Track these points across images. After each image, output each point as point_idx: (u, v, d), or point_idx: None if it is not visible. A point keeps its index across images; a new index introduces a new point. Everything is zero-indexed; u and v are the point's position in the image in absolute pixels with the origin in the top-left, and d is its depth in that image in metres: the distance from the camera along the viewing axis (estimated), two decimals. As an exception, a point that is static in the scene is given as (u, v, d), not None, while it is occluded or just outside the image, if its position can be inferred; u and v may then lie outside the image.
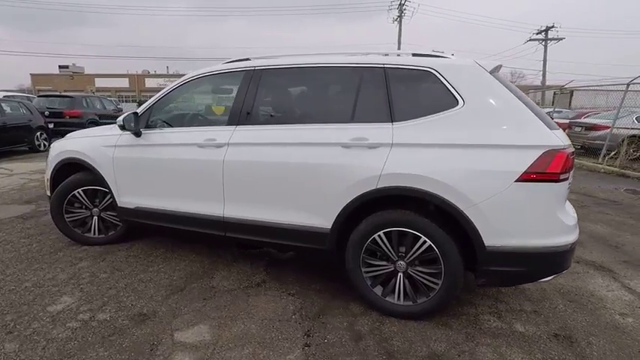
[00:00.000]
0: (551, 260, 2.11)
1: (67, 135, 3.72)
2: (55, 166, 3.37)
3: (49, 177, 3.45)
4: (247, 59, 2.87)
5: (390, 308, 2.38)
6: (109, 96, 28.27)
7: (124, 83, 45.41)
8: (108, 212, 3.41)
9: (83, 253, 3.27)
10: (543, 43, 27.37)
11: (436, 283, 2.26)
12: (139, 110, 2.98)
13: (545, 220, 2.07)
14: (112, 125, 3.55)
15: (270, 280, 2.85)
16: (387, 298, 2.39)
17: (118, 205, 3.15)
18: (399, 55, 2.49)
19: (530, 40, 28.33)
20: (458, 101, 2.19)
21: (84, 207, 3.39)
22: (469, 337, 2.20)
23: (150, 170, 2.95)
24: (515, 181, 2.02)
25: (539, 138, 2.05)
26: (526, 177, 2.01)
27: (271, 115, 2.68)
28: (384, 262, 2.37)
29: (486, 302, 2.57)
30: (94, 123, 11.69)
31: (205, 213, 2.78)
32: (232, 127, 2.67)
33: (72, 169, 3.38)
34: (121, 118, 2.90)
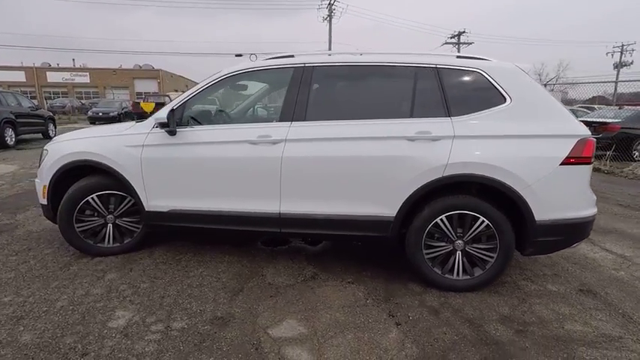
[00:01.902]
0: (582, 229, 2.57)
1: (58, 138, 3.28)
2: (57, 171, 2.96)
3: (47, 183, 3.01)
4: (291, 56, 2.87)
5: (450, 284, 2.65)
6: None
7: (20, 77, 39.04)
8: (124, 219, 3.11)
9: (101, 265, 2.95)
10: (457, 46, 30.58)
11: (491, 257, 2.58)
12: (174, 107, 2.79)
13: (580, 196, 2.52)
14: (125, 123, 3.24)
15: (322, 272, 2.92)
16: (446, 275, 2.65)
17: (146, 209, 2.91)
18: (445, 57, 2.75)
19: (445, 43, 31.44)
20: (505, 99, 2.53)
21: (97, 214, 3.05)
22: (521, 300, 2.57)
23: (190, 170, 2.78)
24: (560, 164, 2.42)
25: (573, 128, 2.48)
26: (567, 161, 2.42)
27: (327, 112, 2.74)
28: (443, 243, 2.63)
29: (515, 272, 2.99)
30: (11, 123, 10.06)
31: (258, 210, 2.74)
32: (287, 124, 2.67)
33: (74, 174, 3.01)
34: (158, 116, 2.69)
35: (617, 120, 9.24)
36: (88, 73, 40.56)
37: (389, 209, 2.59)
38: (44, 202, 3.07)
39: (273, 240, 3.53)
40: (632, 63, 37.45)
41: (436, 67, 2.62)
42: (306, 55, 2.84)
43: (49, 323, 2.19)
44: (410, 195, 2.54)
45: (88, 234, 3.06)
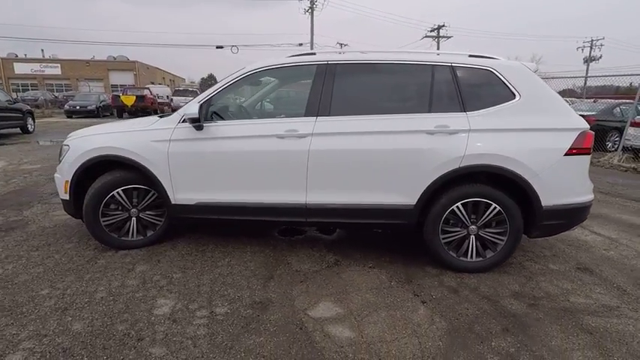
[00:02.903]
0: (581, 213, 2.85)
1: (76, 133, 3.29)
2: (81, 167, 2.99)
3: (69, 178, 3.03)
4: (313, 53, 3.00)
5: (465, 266, 2.88)
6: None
7: (-19, 68, 37.02)
8: (147, 212, 3.18)
9: (128, 258, 3.02)
10: (436, 39, 31.17)
11: (502, 240, 2.82)
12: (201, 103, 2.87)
13: (580, 183, 2.79)
14: (148, 118, 3.28)
15: (343, 259, 3.10)
16: (461, 258, 2.88)
17: (172, 202, 2.99)
18: (459, 55, 2.94)
19: (425, 36, 31.95)
20: (515, 95, 2.75)
21: (121, 208, 3.10)
22: (528, 278, 2.83)
23: (217, 164, 2.88)
24: (564, 155, 2.67)
25: (575, 122, 2.74)
26: (570, 152, 2.68)
27: (350, 107, 2.89)
28: (458, 228, 2.85)
29: (519, 254, 3.26)
30: (-11, 117, 9.65)
31: (285, 201, 2.88)
32: (312, 119, 2.81)
33: (96, 170, 3.05)
34: (187, 112, 2.76)
35: (591, 113, 9.81)
36: (59, 65, 38.83)
37: (409, 198, 2.79)
38: (66, 197, 3.10)
39: (289, 230, 3.67)
40: (600, 57, 39.28)
41: (451, 66, 2.82)
42: (327, 52, 2.97)
43: (95, 313, 2.27)
44: (429, 185, 2.74)
45: (113, 228, 3.11)
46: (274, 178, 2.87)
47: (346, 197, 2.83)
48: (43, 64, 38.68)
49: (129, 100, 19.54)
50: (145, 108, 19.39)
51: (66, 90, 35.14)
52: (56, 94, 31.08)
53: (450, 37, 31.12)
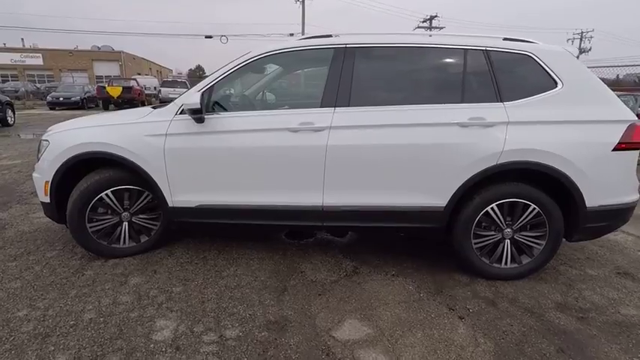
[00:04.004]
0: (626, 214, 2.58)
1: (57, 127, 2.88)
2: (63, 165, 2.59)
3: (49, 178, 2.65)
4: (329, 35, 2.65)
5: (498, 273, 2.60)
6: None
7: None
8: (140, 216, 2.81)
9: (120, 268, 2.66)
10: (429, 30, 30.81)
11: (540, 244, 2.55)
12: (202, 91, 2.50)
13: (627, 182, 2.52)
14: (140, 109, 2.90)
15: (361, 266, 2.79)
16: (494, 264, 2.60)
17: (170, 204, 2.63)
18: (493, 39, 2.62)
19: (418, 27, 31.56)
20: (557, 83, 2.45)
21: (111, 212, 2.73)
22: (568, 286, 2.57)
23: (221, 161, 2.53)
24: (612, 150, 2.39)
25: (623, 114, 2.46)
26: (618, 147, 2.40)
27: (372, 97, 2.56)
28: (492, 232, 2.56)
29: (550, 256, 3.01)
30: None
31: (299, 203, 2.55)
32: (330, 109, 2.47)
33: (81, 167, 2.67)
34: (187, 101, 2.39)
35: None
36: (40, 55, 37.27)
37: (439, 199, 2.48)
38: (46, 199, 2.71)
39: (298, 232, 3.35)
40: (590, 49, 39.49)
41: (486, 50, 2.50)
42: (345, 35, 2.62)
43: (83, 340, 1.92)
44: (462, 184, 2.43)
45: (102, 234, 2.74)
46: (286, 178, 2.53)
47: (368, 198, 2.52)
48: (24, 54, 37.09)
49: (115, 91, 18.80)
50: (131, 100, 18.69)
51: (48, 81, 33.83)
52: (38, 85, 29.85)
53: (442, 28, 30.79)
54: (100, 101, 19.68)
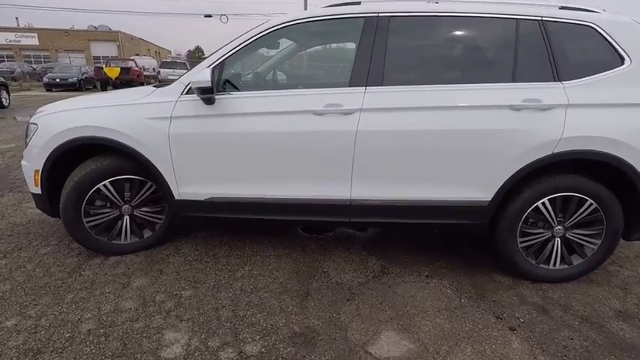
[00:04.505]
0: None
1: (47, 108, 2.55)
2: (54, 152, 2.28)
3: (39, 167, 2.34)
4: (357, 3, 2.28)
5: (545, 275, 2.32)
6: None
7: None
8: (143, 209, 2.52)
9: (121, 267, 2.38)
10: None
11: (594, 244, 2.26)
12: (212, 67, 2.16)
13: (700, 173, 2.21)
14: (141, 88, 2.56)
15: (390, 265, 2.51)
16: (541, 265, 2.32)
17: (176, 197, 2.33)
18: (547, 7, 2.26)
19: None
20: (624, 59, 2.10)
21: (110, 205, 2.43)
22: (624, 290, 2.30)
23: (235, 148, 2.21)
24: (688, 137, 2.07)
25: None
26: (695, 134, 2.08)
27: (409, 74, 2.22)
28: (541, 230, 2.27)
29: (595, 254, 2.72)
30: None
31: (323, 197, 2.25)
32: (360, 89, 2.13)
33: (75, 155, 2.36)
34: (195, 79, 2.04)
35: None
36: (36, 35, 36.28)
37: (484, 192, 2.18)
38: (37, 190, 2.40)
39: (315, 226, 3.06)
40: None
41: (541, 20, 2.14)
42: (377, 2, 2.26)
43: (81, 357, 1.65)
44: (511, 176, 2.13)
45: (100, 229, 2.45)
46: (308, 167, 2.22)
47: (401, 191, 2.21)
48: (19, 34, 36.11)
49: (113, 72, 18.25)
50: (130, 81, 18.14)
51: (45, 62, 33.07)
52: (34, 65, 29.18)
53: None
54: (98, 83, 19.16)
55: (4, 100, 10.89)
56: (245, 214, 2.35)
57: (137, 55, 33.66)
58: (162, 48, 58.71)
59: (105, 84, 18.58)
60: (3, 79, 11.40)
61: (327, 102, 2.13)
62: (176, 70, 20.91)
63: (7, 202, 3.48)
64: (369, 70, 2.14)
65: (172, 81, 2.36)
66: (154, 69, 24.30)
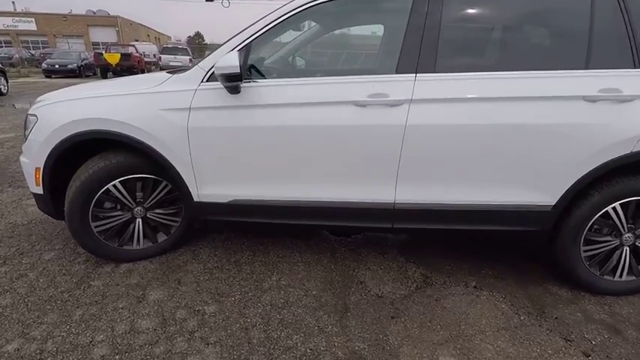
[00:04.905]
0: None
1: (47, 97, 2.27)
2: (57, 148, 2.01)
3: (40, 165, 2.07)
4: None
5: (608, 287, 2.07)
6: None
7: None
8: (157, 211, 2.26)
9: (135, 276, 2.14)
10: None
11: (669, 253, 2.01)
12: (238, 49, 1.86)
13: None
14: (153, 75, 2.28)
15: (431, 274, 2.26)
16: (605, 277, 2.07)
17: (196, 199, 2.07)
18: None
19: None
20: None
21: (120, 207, 2.17)
22: (699, 305, 2.06)
23: (262, 145, 1.93)
24: None
25: None
26: None
27: (466, 59, 1.93)
28: (608, 238, 2.01)
29: None
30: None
31: (362, 200, 1.98)
32: (410, 77, 1.84)
33: (81, 150, 2.09)
34: (220, 64, 1.75)
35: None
36: (33, 19, 35.52)
37: (547, 196, 1.91)
38: (38, 190, 2.14)
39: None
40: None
41: (622, -5, 1.84)
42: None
43: (95, 392, 1.42)
44: (582, 177, 1.85)
45: (111, 234, 2.19)
46: (348, 167, 1.95)
47: (453, 194, 1.94)
48: (16, 19, 35.36)
49: (113, 58, 17.78)
50: (131, 67, 17.72)
51: (43, 47, 32.41)
52: (32, 51, 28.59)
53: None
54: (98, 69, 18.72)
55: (2, 86, 10.53)
56: (273, 218, 2.09)
57: (137, 40, 32.99)
58: (161, 34, 57.78)
59: (105, 70, 18.15)
60: (1, 66, 11.02)
61: (371, 91, 1.84)
62: (177, 56, 20.48)
63: (7, 199, 3.23)
64: (419, 54, 1.85)
65: (174, 68, 2.06)
66: (154, 55, 23.80)
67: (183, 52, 21.55)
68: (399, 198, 1.96)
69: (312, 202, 2.02)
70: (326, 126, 1.88)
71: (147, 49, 24.12)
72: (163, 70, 2.41)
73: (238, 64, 1.69)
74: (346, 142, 1.89)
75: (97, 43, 34.46)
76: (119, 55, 17.91)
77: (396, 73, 1.87)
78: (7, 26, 34.84)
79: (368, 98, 1.83)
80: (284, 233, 2.66)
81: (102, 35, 36.56)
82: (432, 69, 1.84)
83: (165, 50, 22.86)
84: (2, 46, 30.55)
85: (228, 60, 1.71)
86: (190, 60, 20.48)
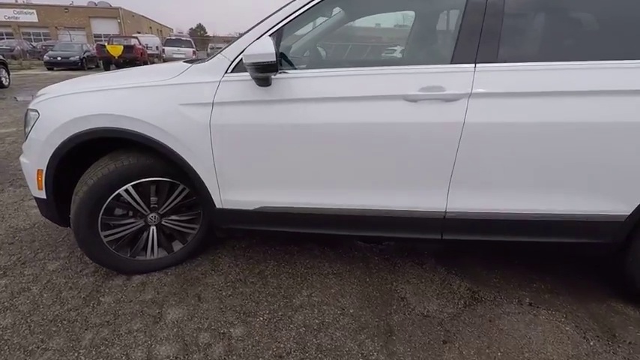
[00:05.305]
0: None
1: (50, 90, 2.03)
2: (62, 148, 1.77)
3: (43, 167, 1.84)
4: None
5: (685, 306, 1.84)
6: None
7: None
8: (172, 217, 2.03)
9: (149, 291, 1.91)
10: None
11: None
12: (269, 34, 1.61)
13: None
14: (170, 65, 2.03)
15: (480, 289, 2.02)
16: (681, 295, 1.83)
17: (218, 205, 1.83)
18: None
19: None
20: None
21: (133, 214, 1.94)
22: None
23: (296, 144, 1.69)
24: None
25: None
26: None
27: (533, 47, 1.68)
28: (686, 250, 1.77)
29: None
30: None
31: (408, 208, 1.74)
32: (468, 67, 1.59)
33: (88, 150, 1.85)
34: (251, 51, 1.50)
35: None
36: (34, 11, 35.14)
37: (622, 204, 1.66)
38: (41, 195, 1.91)
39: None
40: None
41: None
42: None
43: None
44: (666, 183, 1.61)
45: (122, 244, 1.97)
46: (393, 170, 1.70)
47: (516, 202, 1.69)
48: (17, 10, 34.98)
49: (115, 50, 17.49)
50: (134, 59, 17.44)
51: (45, 39, 32.11)
52: (34, 43, 28.28)
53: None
54: (101, 61, 18.43)
55: (3, 79, 10.30)
56: (306, 228, 1.85)
57: (139, 32, 32.62)
58: (163, 26, 57.25)
59: (108, 62, 17.85)
60: (2, 57, 10.76)
61: (424, 84, 1.59)
62: (181, 49, 20.18)
63: (7, 200, 3.01)
64: (479, 41, 1.59)
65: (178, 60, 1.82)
66: (157, 47, 23.47)
67: (187, 44, 21.24)
68: (451, 206, 1.72)
69: (351, 211, 1.78)
70: (370, 124, 1.64)
71: (149, 41, 23.79)
72: (167, 62, 2.18)
73: (275, 51, 1.44)
74: (393, 143, 1.65)
75: (99, 35, 34.11)
76: (122, 47, 17.62)
77: (452, 63, 1.61)
78: (9, 18, 34.50)
79: (420, 92, 1.58)
80: (310, 239, 2.43)
81: (104, 27, 36.19)
82: (495, 58, 1.59)
83: (168, 42, 22.54)
84: (4, 38, 30.25)
85: (262, 47, 1.46)
86: (194, 52, 20.19)
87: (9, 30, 34.28)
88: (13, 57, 20.69)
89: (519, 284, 2.08)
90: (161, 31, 52.34)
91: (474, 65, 1.59)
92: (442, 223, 1.75)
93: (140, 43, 19.51)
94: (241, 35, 1.72)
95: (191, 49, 20.29)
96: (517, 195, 1.69)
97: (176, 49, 20.17)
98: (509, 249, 2.35)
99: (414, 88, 1.59)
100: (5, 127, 5.58)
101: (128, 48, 17.83)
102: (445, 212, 1.73)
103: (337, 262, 2.23)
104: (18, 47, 23.19)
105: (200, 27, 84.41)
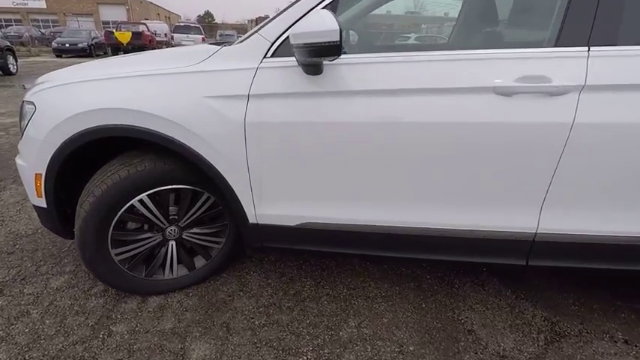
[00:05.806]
0: None
1: (49, 77, 1.71)
2: (64, 148, 1.46)
3: (42, 171, 1.53)
4: None
5: None
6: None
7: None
8: (194, 230, 1.72)
9: (169, 317, 1.62)
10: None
11: None
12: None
13: None
14: (193, 48, 1.71)
15: (559, 319, 1.69)
16: None
17: (251, 220, 1.52)
18: None
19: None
20: None
21: (148, 227, 1.63)
22: None
23: (355, 147, 1.36)
24: None
25: None
26: None
27: None
28: None
29: None
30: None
31: (489, 228, 1.41)
32: (579, 52, 1.23)
33: (95, 151, 1.54)
34: (299, 30, 1.15)
35: None
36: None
37: None
38: (40, 203, 1.61)
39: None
40: None
41: None
42: None
43: None
44: None
45: (137, 262, 1.67)
46: (473, 182, 1.36)
47: (629, 224, 1.35)
48: (28, -5, 34.65)
49: (124, 37, 17.16)
50: (142, 46, 17.07)
51: (53, 26, 31.84)
52: (43, 30, 28.05)
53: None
54: (109, 48, 18.12)
55: (11, 66, 10.04)
56: (359, 249, 1.53)
57: (147, 19, 32.16)
58: (171, 12, 56.69)
59: (116, 49, 17.55)
60: (9, 44, 10.49)
61: (521, 73, 1.23)
62: (190, 35, 19.79)
63: (9, 199, 2.73)
64: (594, 19, 1.23)
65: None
66: (165, 34, 23.06)
67: (196, 30, 20.82)
68: (543, 226, 1.38)
69: (417, 230, 1.45)
70: (449, 124, 1.29)
71: (158, 27, 23.37)
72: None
73: (338, 27, 1.09)
74: (477, 147, 1.30)
75: (107, 22, 33.83)
76: (130, 34, 17.29)
77: (556, 46, 1.25)
78: (17, 4, 34.22)
79: (516, 83, 1.23)
80: (348, 254, 2.12)
81: (112, 14, 35.82)
82: (615, 40, 1.23)
83: (177, 29, 22.12)
84: (12, 25, 30.02)
85: (319, 22, 1.11)
86: (203, 39, 19.78)
87: (17, 17, 34.08)
88: (22, 44, 20.48)
89: (604, 314, 1.74)
90: (169, 17, 51.81)
91: (587, 49, 1.22)
92: (530, 246, 1.42)
93: (149, 30, 19.13)
94: (284, 10, 1.37)
95: (200, 36, 19.89)
96: (630, 215, 1.34)
97: (185, 35, 19.78)
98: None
99: (508, 78, 1.23)
100: (11, 116, 5.33)
101: (136, 35, 17.49)
102: (535, 234, 1.39)
103: (384, 282, 1.91)
104: (26, 34, 22.96)
105: (208, 14, 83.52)
